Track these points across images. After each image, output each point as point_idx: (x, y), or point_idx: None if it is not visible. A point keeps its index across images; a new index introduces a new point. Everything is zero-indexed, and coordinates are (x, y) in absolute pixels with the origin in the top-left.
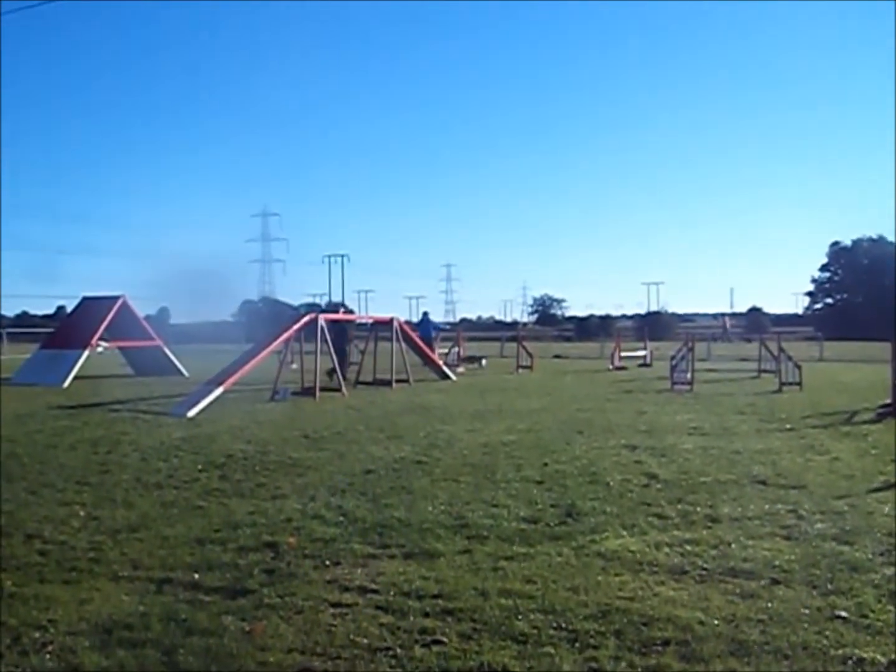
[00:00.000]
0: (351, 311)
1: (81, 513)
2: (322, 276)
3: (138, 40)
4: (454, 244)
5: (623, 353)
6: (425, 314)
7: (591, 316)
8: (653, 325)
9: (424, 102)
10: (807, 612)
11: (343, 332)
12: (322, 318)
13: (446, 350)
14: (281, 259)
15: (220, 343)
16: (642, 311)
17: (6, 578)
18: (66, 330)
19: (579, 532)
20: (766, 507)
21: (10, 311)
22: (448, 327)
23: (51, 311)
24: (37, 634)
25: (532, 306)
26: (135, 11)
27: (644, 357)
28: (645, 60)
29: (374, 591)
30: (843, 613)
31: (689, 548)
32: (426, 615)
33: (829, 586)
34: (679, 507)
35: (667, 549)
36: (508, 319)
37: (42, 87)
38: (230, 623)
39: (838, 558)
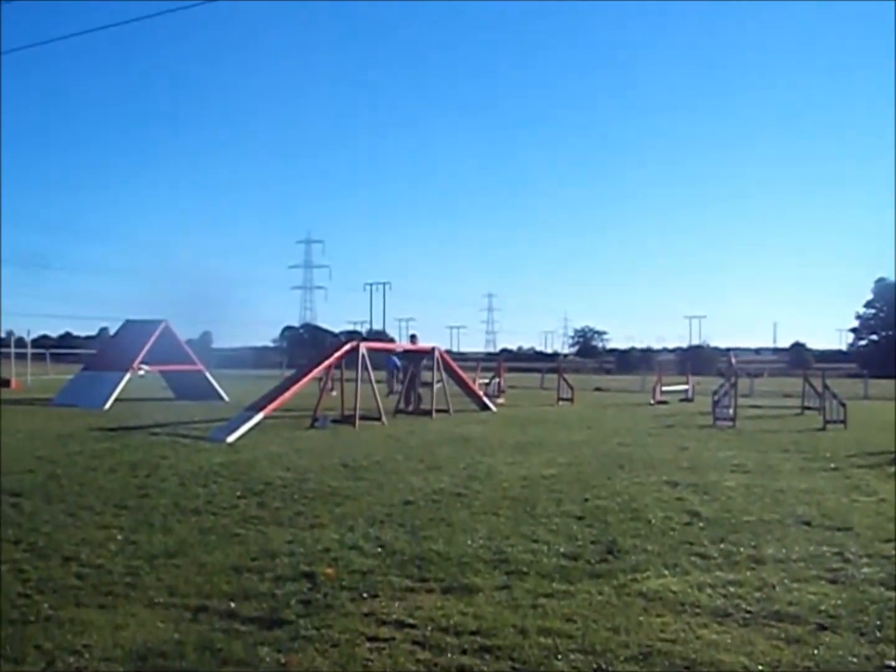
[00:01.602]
0: (392, 340)
1: (119, 536)
2: (364, 304)
3: (185, 71)
4: (496, 274)
5: (664, 387)
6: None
7: (633, 348)
8: (694, 358)
9: (470, 134)
10: (854, 660)
11: (416, 362)
12: (363, 346)
13: (487, 381)
14: (323, 286)
15: (261, 368)
16: (684, 344)
17: (42, 601)
18: (108, 352)
19: (620, 570)
20: (811, 548)
21: (54, 332)
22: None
23: (93, 332)
24: (71, 659)
25: (573, 338)
26: (183, 35)
27: (686, 391)
28: (687, 96)
29: (412, 626)
30: (893, 663)
31: (732, 589)
32: (464, 652)
33: (878, 634)
34: (722, 546)
35: (709, 591)
36: (549, 351)
37: (95, 116)
38: (266, 654)
39: (887, 604)
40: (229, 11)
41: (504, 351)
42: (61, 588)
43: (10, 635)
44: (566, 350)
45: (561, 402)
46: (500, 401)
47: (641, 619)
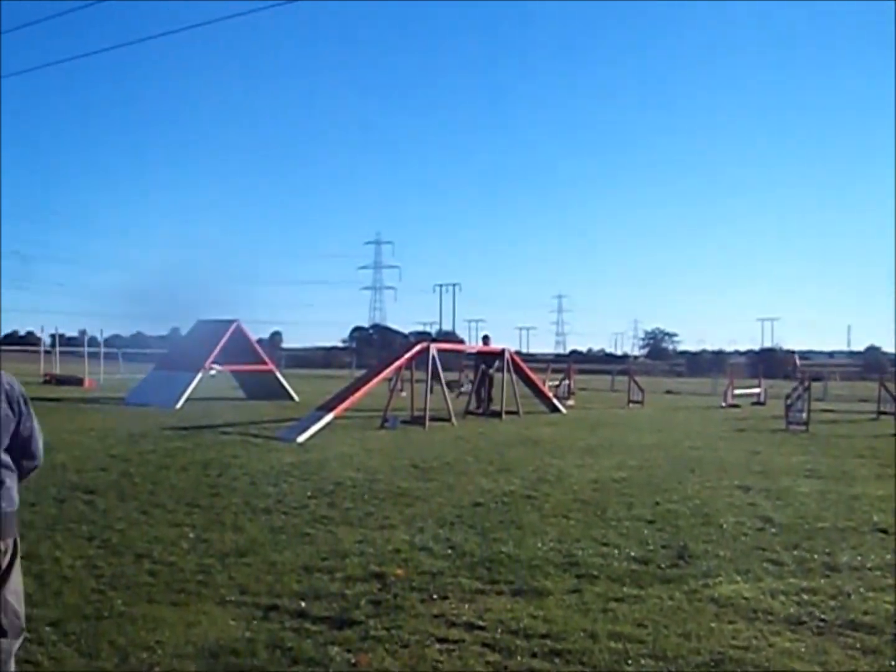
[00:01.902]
0: (462, 341)
1: (191, 535)
2: (433, 305)
3: (256, 70)
4: (566, 275)
5: (736, 391)
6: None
7: (704, 351)
8: (767, 361)
9: (541, 135)
10: None
11: (488, 363)
12: (434, 348)
13: (557, 382)
14: (392, 286)
15: (330, 368)
16: (756, 347)
17: (116, 597)
18: (180, 352)
19: (691, 575)
20: (888, 557)
21: (126, 331)
22: None
23: (165, 332)
24: (144, 655)
25: (643, 340)
26: (256, 33)
27: (758, 395)
28: (770, 98)
29: (482, 628)
30: None
31: (805, 597)
32: (534, 655)
33: None
34: (795, 553)
35: (782, 598)
36: (619, 353)
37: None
38: (336, 654)
39: None
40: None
41: (574, 352)
42: (134, 585)
43: (84, 630)
44: (636, 352)
45: (631, 405)
46: (570, 403)
47: (713, 625)
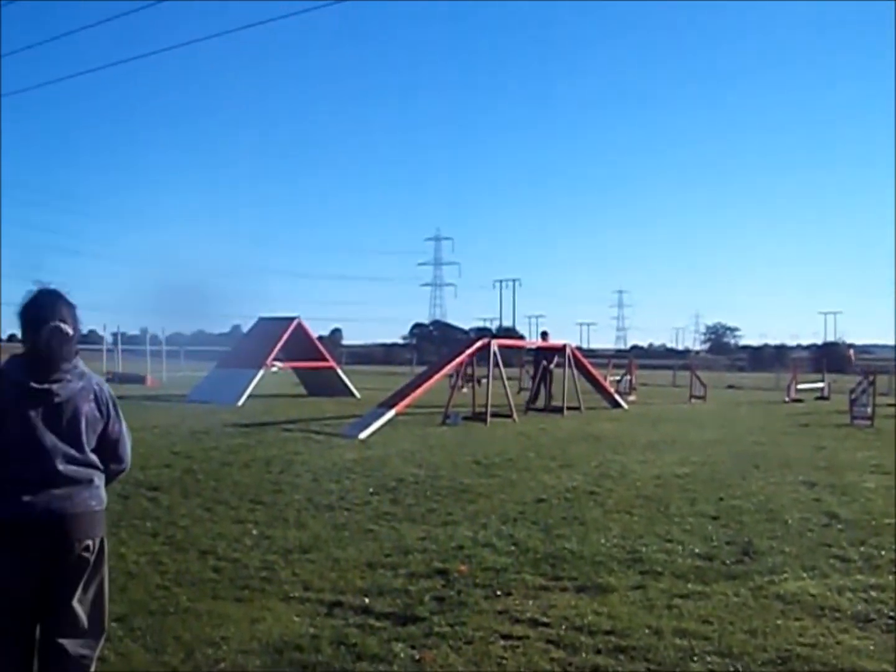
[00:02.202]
0: (522, 337)
1: (254, 531)
2: (493, 301)
3: (310, 73)
4: (627, 270)
5: (799, 385)
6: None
7: (766, 345)
8: (830, 356)
9: (598, 130)
10: None
11: (548, 359)
12: (495, 344)
13: (618, 378)
14: (452, 283)
15: (391, 365)
16: (819, 341)
17: (181, 593)
18: (241, 349)
19: (756, 572)
20: None
21: (188, 329)
22: None
23: (226, 329)
24: (209, 651)
25: (704, 334)
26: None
27: (821, 389)
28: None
29: (546, 625)
30: None
31: (874, 594)
32: (598, 652)
33: None
34: (862, 549)
35: (850, 595)
36: (680, 347)
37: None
38: (400, 650)
39: None
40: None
41: (634, 347)
42: (199, 581)
43: (150, 626)
44: (698, 347)
45: (693, 400)
46: (632, 398)
47: (779, 622)
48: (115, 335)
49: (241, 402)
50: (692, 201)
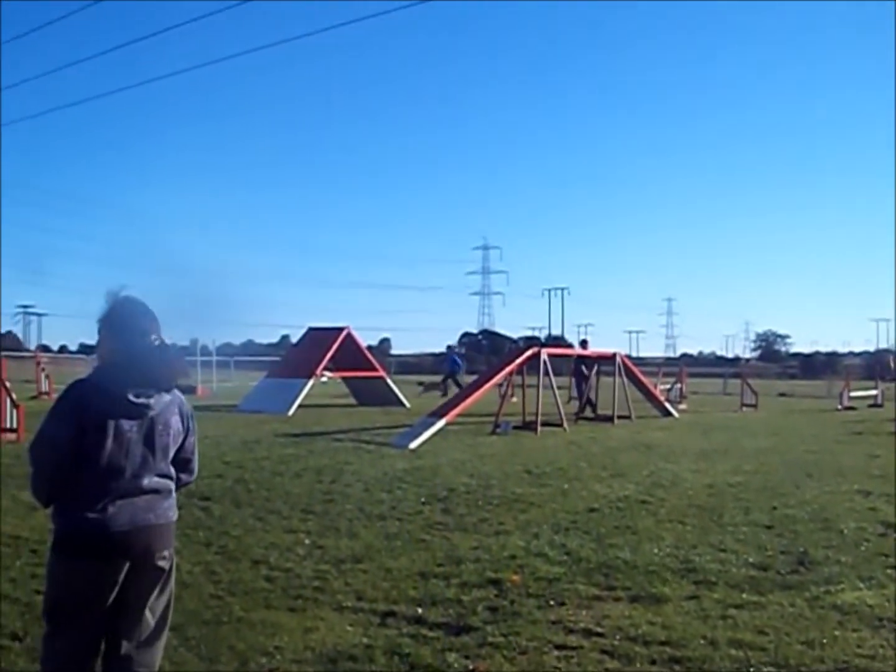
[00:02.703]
0: (571, 345)
1: (306, 541)
2: (542, 309)
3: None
4: (675, 278)
5: (852, 393)
6: (449, 348)
7: (817, 353)
8: (883, 363)
9: (645, 138)
10: None
11: (590, 367)
12: (545, 352)
13: (668, 386)
14: (500, 292)
15: (440, 374)
16: (871, 348)
17: (234, 603)
18: (291, 359)
19: (812, 582)
20: None
21: (237, 339)
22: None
23: (275, 339)
24: (263, 660)
25: (755, 342)
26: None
27: (875, 397)
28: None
29: (600, 635)
30: None
31: None
32: (653, 662)
33: None
34: None
35: None
36: (730, 355)
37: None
38: (454, 660)
39: None
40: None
41: (684, 356)
42: (252, 590)
43: (204, 635)
44: (748, 354)
45: (745, 408)
46: (683, 406)
47: (836, 633)
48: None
49: (291, 412)
50: (742, 207)
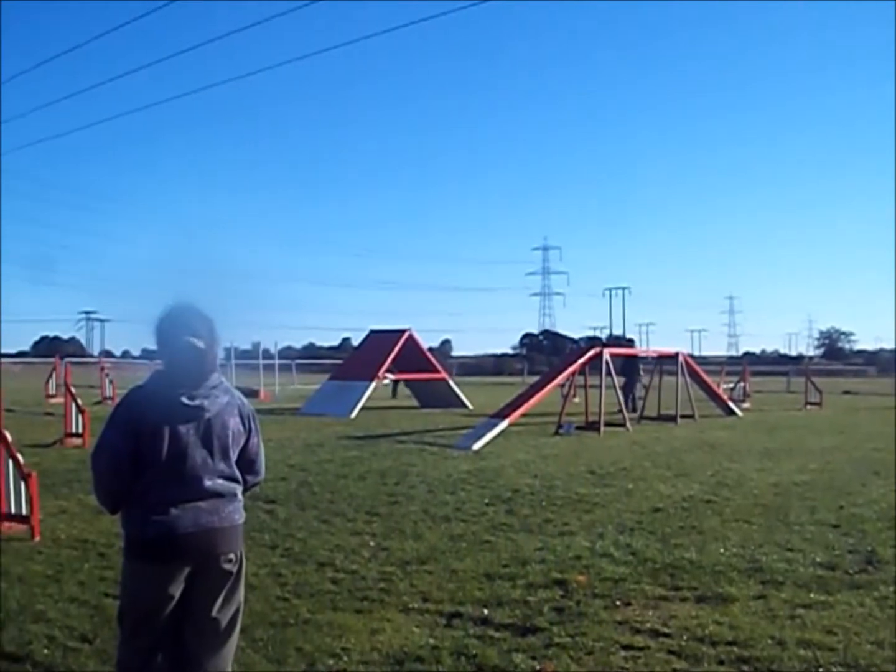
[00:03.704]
0: (632, 345)
1: (371, 543)
2: (602, 309)
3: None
4: (737, 276)
5: None
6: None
7: (882, 350)
8: None
9: (707, 134)
10: None
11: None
12: (607, 352)
13: (731, 385)
14: (561, 292)
15: (501, 375)
16: None
17: (301, 605)
18: (353, 362)
19: (881, 581)
20: None
21: (298, 343)
22: None
23: (336, 342)
24: (331, 661)
25: (818, 339)
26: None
27: None
28: None
29: (667, 635)
30: None
31: None
32: (721, 663)
33: None
34: None
35: None
36: (793, 353)
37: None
38: (521, 661)
39: None
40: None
41: (747, 354)
42: (318, 592)
43: (272, 637)
44: (811, 352)
45: (809, 407)
46: (746, 405)
47: None
48: (227, 349)
49: (353, 415)
50: (804, 203)
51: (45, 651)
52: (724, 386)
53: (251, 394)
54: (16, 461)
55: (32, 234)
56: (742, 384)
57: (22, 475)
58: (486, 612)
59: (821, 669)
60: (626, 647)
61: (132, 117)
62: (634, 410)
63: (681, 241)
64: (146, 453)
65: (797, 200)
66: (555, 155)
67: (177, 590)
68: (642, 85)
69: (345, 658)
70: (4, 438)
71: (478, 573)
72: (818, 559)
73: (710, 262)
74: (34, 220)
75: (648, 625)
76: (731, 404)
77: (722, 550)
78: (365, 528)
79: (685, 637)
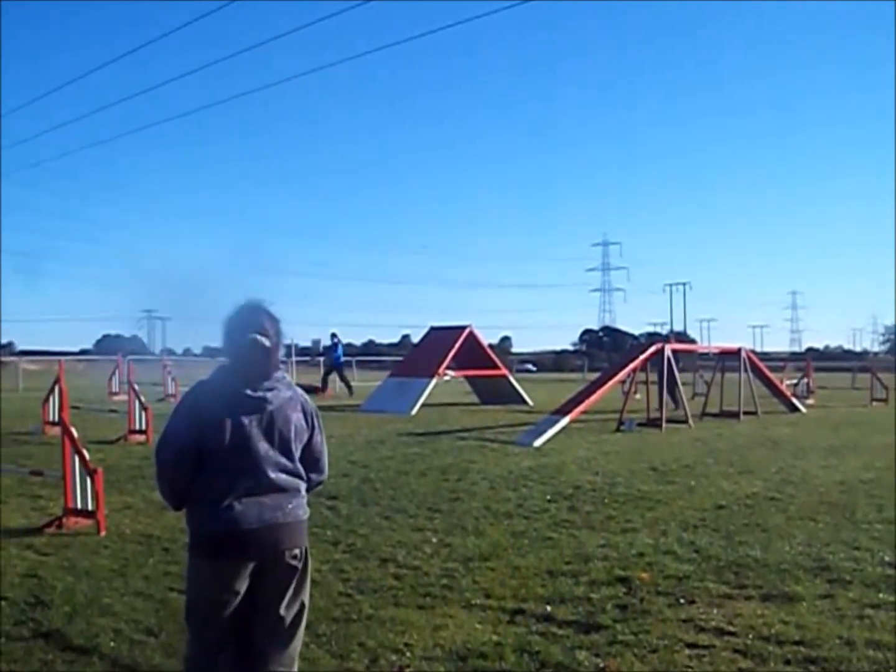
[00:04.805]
0: (693, 341)
1: (433, 539)
2: (663, 305)
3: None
4: (800, 271)
5: None
6: (333, 335)
7: None
8: None
9: (768, 129)
10: None
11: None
12: (668, 348)
13: (795, 381)
14: (621, 288)
15: (561, 372)
16: None
17: (363, 600)
18: (414, 358)
19: None
20: None
21: (358, 340)
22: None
23: (395, 339)
24: (393, 657)
25: (883, 335)
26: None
27: None
28: None
29: (732, 634)
30: None
31: None
32: (787, 662)
33: None
34: None
35: None
36: (857, 349)
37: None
38: (584, 658)
39: None
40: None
41: (810, 350)
42: (380, 588)
43: (335, 632)
44: (876, 348)
45: (875, 403)
46: (810, 402)
47: None
48: (288, 347)
49: (414, 411)
50: (866, 197)
51: (112, 644)
52: (788, 382)
53: (311, 390)
54: (82, 457)
55: (97, 236)
56: (806, 380)
57: (88, 471)
58: (548, 608)
59: (891, 671)
60: (691, 646)
61: (184, 119)
62: (678, 407)
63: (742, 235)
64: (209, 444)
65: (860, 194)
66: (615, 150)
67: (242, 586)
68: (701, 80)
69: (408, 654)
70: (71, 435)
71: (540, 570)
72: (886, 558)
73: (771, 257)
74: (94, 222)
75: (713, 623)
76: (794, 401)
77: (787, 548)
78: (427, 524)
79: (751, 636)
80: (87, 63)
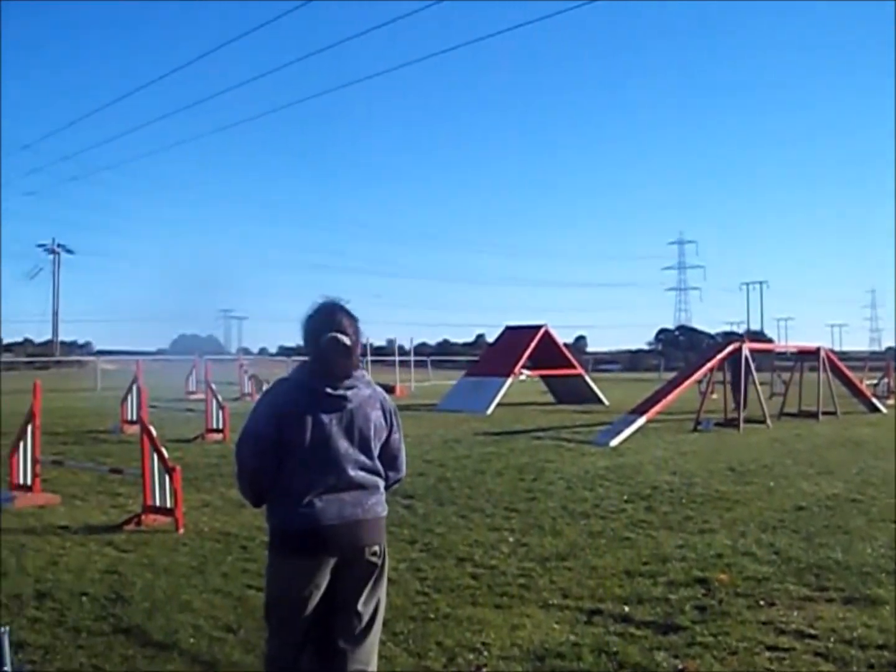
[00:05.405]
0: (770, 340)
1: (510, 539)
2: (740, 304)
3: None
4: (879, 269)
5: None
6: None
7: None
8: None
9: (847, 121)
10: None
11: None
12: (746, 348)
13: (875, 381)
14: (697, 287)
15: (637, 371)
16: None
17: (440, 599)
18: (489, 358)
19: None
20: None
21: (433, 339)
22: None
23: (470, 338)
24: (471, 656)
25: None
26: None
27: None
28: None
29: (813, 637)
30: None
31: None
32: (871, 667)
33: None
34: None
35: None
36: None
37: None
38: (662, 659)
39: None
40: None
41: (890, 349)
42: (457, 587)
43: (412, 631)
44: None
45: None
46: (890, 402)
47: None
48: (364, 346)
49: (489, 411)
50: None
51: (191, 640)
52: (868, 382)
53: (388, 390)
54: (160, 456)
55: (174, 238)
56: (886, 380)
57: (166, 469)
58: (626, 609)
59: None
60: (771, 648)
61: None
62: (745, 408)
63: (820, 232)
64: (289, 440)
65: None
66: (690, 148)
67: (322, 582)
68: (778, 76)
69: (485, 653)
70: (150, 433)
71: (618, 570)
72: None
73: (850, 255)
74: (166, 222)
75: (794, 626)
76: (874, 401)
77: (869, 551)
78: (503, 523)
79: (832, 639)
80: (175, 60)
